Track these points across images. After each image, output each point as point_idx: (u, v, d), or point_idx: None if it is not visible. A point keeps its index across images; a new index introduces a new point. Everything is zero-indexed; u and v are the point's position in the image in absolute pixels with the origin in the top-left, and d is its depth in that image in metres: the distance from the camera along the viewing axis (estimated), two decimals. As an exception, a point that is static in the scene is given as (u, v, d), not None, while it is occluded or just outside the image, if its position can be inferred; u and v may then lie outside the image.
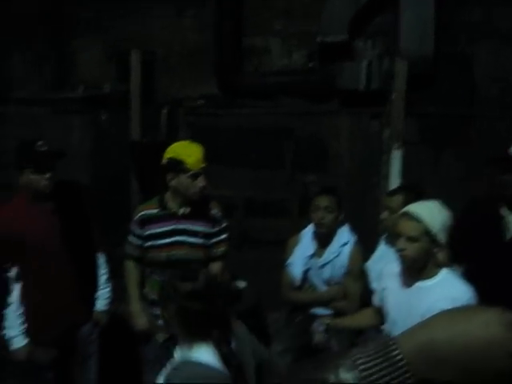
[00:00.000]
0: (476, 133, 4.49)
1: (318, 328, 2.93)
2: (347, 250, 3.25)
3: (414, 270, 2.44)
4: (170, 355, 3.04)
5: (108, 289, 3.14)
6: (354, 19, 4.78)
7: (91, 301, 3.08)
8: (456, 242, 2.50)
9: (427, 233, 2.34)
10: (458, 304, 2.28)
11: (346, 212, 3.37)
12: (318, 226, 3.26)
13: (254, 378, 2.23)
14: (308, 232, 3.36)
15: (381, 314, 2.65)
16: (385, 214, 3.02)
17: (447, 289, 2.37)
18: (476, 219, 2.91)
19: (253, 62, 5.26)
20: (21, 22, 5.35)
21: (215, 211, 3.03)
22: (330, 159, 4.73)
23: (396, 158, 4.07)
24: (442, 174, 4.31)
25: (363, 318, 2.87)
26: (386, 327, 2.58)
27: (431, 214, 2.37)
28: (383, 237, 3.16)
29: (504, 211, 2.83)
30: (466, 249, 2.75)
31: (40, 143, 2.75)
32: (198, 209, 2.97)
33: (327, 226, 3.25)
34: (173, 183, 2.87)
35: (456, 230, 2.57)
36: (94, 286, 3.09)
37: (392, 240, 2.69)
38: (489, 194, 3.08)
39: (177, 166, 2.81)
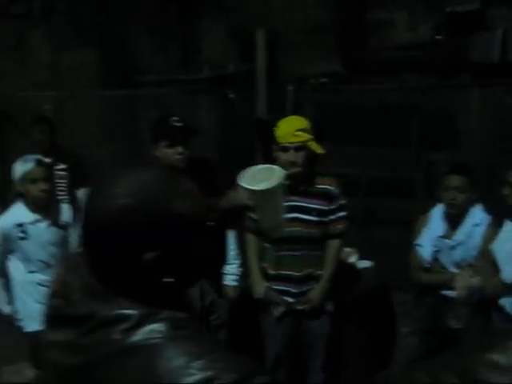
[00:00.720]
0: None
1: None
2: (480, 230, 3.09)
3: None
4: (286, 329, 3.11)
5: (237, 264, 3.22)
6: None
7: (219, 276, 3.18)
8: None
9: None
10: None
11: (479, 191, 3.23)
12: (449, 206, 3.13)
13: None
14: (437, 211, 3.24)
15: None
16: (507, 190, 2.88)
17: None
18: None
19: (377, 36, 5.13)
20: (146, 5, 5.56)
21: (332, 188, 3.01)
22: (460, 136, 4.53)
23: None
24: None
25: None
26: None
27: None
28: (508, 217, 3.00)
29: None
30: None
31: (174, 118, 2.85)
32: (312, 185, 2.97)
33: (459, 206, 3.11)
34: (274, 156, 2.94)
35: None
36: (222, 262, 3.19)
37: None
38: None
39: (272, 138, 2.90)
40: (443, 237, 3.18)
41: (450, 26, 4.75)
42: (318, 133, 3.40)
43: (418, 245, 3.24)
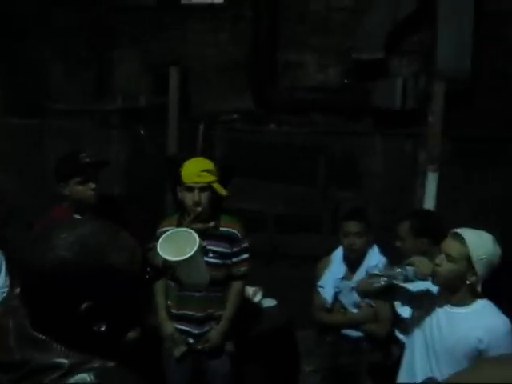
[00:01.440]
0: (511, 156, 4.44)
1: None
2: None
3: (447, 292, 2.45)
4: (187, 369, 3.11)
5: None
6: (390, 36, 4.78)
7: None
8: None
9: (467, 258, 2.34)
10: (494, 334, 2.33)
11: (377, 232, 3.39)
12: (348, 251, 3.29)
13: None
14: (338, 253, 3.38)
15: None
16: (398, 242, 3.05)
17: (484, 318, 2.38)
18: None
19: (288, 77, 5.29)
20: (61, 34, 5.45)
21: (235, 231, 3.08)
22: (363, 178, 4.73)
23: (431, 181, 4.05)
24: (476, 198, 4.26)
25: None
26: (417, 349, 2.56)
27: (479, 242, 2.36)
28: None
29: None
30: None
31: (84, 154, 2.83)
32: (216, 227, 3.04)
33: (357, 250, 3.28)
34: (179, 196, 3.02)
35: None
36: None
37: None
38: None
39: (178, 179, 2.98)
40: (343, 278, 3.31)
41: (356, 71, 4.98)
42: (227, 171, 3.47)
43: (320, 286, 3.35)
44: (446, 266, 2.36)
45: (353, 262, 3.31)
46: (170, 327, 3.10)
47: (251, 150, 4.78)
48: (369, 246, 3.30)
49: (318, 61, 5.33)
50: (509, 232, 3.88)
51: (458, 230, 2.39)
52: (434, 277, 2.41)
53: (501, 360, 1.05)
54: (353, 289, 3.28)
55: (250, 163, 4.77)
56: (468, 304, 2.42)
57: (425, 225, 3.05)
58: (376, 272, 2.60)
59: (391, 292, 2.58)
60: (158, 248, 2.40)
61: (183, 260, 2.36)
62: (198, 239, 2.42)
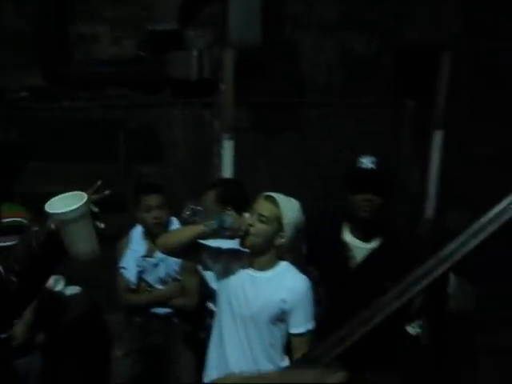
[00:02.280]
0: (305, 120, 4.67)
1: None
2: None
3: (252, 255, 2.49)
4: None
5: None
6: (183, 8, 4.74)
7: None
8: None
9: (278, 219, 2.40)
10: (296, 294, 2.43)
11: (181, 203, 3.34)
12: (153, 225, 3.19)
13: None
14: (137, 231, 3.29)
15: None
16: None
17: (286, 279, 2.47)
18: (320, 248, 2.67)
19: (81, 51, 5.01)
20: None
21: (20, 219, 2.82)
22: (165, 150, 4.67)
23: (228, 149, 4.10)
24: (274, 163, 4.42)
25: None
26: (224, 317, 2.58)
27: (289, 206, 2.45)
28: None
29: (347, 235, 2.64)
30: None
31: None
32: None
33: (163, 223, 3.20)
34: None
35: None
36: None
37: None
38: (333, 214, 2.97)
39: None
40: (145, 256, 3.23)
41: (151, 43, 4.86)
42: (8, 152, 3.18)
43: (123, 267, 3.24)
44: (258, 226, 2.41)
45: (154, 236, 3.22)
46: None
47: (42, 130, 4.46)
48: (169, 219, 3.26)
49: (111, 33, 5.11)
50: (307, 194, 4.10)
51: (271, 194, 2.45)
52: (245, 238, 2.43)
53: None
54: (156, 265, 3.23)
55: (45, 144, 4.46)
56: (270, 267, 2.49)
57: (229, 193, 3.06)
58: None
59: (198, 250, 2.52)
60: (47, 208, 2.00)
61: (71, 212, 1.95)
62: (86, 195, 2.08)
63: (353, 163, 2.59)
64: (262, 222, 2.41)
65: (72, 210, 1.92)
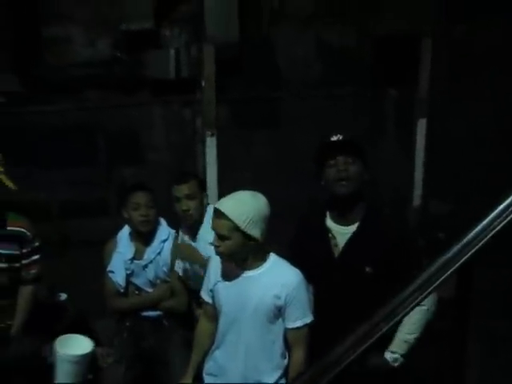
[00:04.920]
0: (284, 114, 4.65)
1: None
2: (168, 246, 3.16)
3: (237, 263, 2.44)
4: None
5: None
6: (158, 6, 4.68)
7: None
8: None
9: (236, 228, 2.32)
10: (289, 287, 2.38)
11: (163, 205, 3.28)
12: (142, 223, 3.12)
13: None
14: (124, 233, 3.21)
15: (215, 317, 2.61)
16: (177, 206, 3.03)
17: (277, 274, 2.42)
18: (304, 238, 2.62)
19: (55, 53, 4.92)
20: None
21: (25, 231, 2.82)
22: (146, 151, 4.61)
23: (211, 146, 4.06)
24: (254, 159, 4.38)
25: (204, 339, 2.67)
26: (220, 324, 2.54)
27: (238, 209, 2.34)
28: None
29: (329, 222, 2.54)
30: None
31: None
32: (3, 227, 2.77)
33: (152, 222, 3.14)
34: None
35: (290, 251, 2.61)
36: None
37: None
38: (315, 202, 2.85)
39: None
40: (134, 258, 3.17)
41: (127, 43, 4.79)
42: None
43: (110, 271, 3.17)
44: (223, 245, 2.35)
45: (143, 237, 3.17)
46: None
47: (21, 135, 4.37)
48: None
49: (85, 34, 5.03)
50: (287, 188, 4.09)
51: (217, 206, 2.37)
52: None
53: None
54: (145, 267, 3.17)
55: (23, 150, 4.37)
56: (259, 265, 2.44)
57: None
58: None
59: None
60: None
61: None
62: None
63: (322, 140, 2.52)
64: (224, 240, 2.35)
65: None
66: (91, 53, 4.90)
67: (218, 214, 2.34)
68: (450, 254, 1.13)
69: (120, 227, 3.30)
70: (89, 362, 2.53)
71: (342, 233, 2.49)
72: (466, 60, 4.54)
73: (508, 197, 1.12)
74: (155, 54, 4.66)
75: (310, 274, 2.47)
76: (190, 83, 4.38)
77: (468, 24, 4.53)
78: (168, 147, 4.56)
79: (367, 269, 2.36)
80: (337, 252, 2.49)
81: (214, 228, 2.37)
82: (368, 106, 4.63)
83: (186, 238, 3.12)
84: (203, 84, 4.11)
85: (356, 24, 4.70)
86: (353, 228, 2.48)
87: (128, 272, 3.15)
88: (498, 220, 1.12)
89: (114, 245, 3.21)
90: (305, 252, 2.53)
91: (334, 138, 2.45)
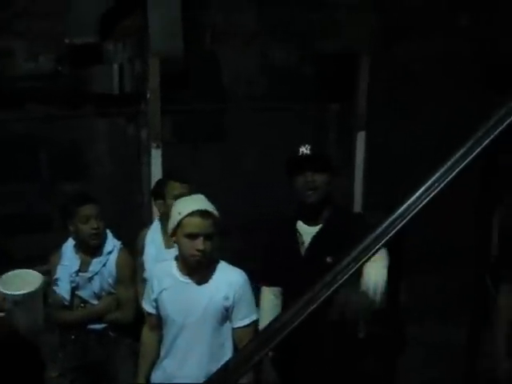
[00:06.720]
0: (228, 127, 4.72)
1: None
2: (113, 257, 3.16)
3: (208, 263, 2.52)
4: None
5: None
6: (102, 21, 4.67)
7: None
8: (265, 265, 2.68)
9: (217, 224, 2.46)
10: (236, 287, 2.48)
11: (109, 218, 3.29)
12: (92, 236, 3.11)
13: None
14: (68, 246, 3.19)
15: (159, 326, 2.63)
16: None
17: (224, 276, 2.52)
18: (276, 239, 2.81)
19: (-4, 67, 4.83)
20: None
21: None
22: (90, 166, 4.57)
23: (156, 158, 4.09)
24: (200, 172, 4.42)
25: (151, 350, 2.72)
26: (165, 331, 2.56)
27: (211, 205, 2.49)
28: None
29: (299, 224, 2.72)
30: (273, 272, 2.75)
31: None
32: None
33: (101, 234, 3.14)
34: None
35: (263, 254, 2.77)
36: None
37: None
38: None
39: None
40: (79, 271, 3.15)
41: (70, 57, 4.76)
42: None
43: (55, 284, 3.14)
44: (209, 245, 2.43)
45: (89, 250, 3.15)
46: None
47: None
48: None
49: (27, 48, 4.97)
50: (233, 201, 4.13)
51: (198, 208, 2.44)
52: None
53: None
54: (90, 279, 3.15)
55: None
56: (209, 268, 2.53)
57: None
58: None
59: None
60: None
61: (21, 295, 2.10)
62: (40, 279, 2.22)
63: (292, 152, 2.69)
64: (209, 238, 2.44)
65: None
66: (34, 66, 4.83)
67: (203, 214, 2.41)
68: (381, 228, 1.25)
69: (63, 242, 3.27)
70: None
71: (308, 232, 2.67)
72: (403, 77, 4.74)
73: (433, 176, 1.27)
74: (99, 68, 4.65)
75: (282, 272, 2.65)
76: (134, 97, 4.40)
77: (405, 42, 4.73)
78: (112, 161, 4.54)
79: (328, 259, 2.49)
80: (303, 250, 2.66)
81: (200, 231, 2.41)
82: (310, 120, 4.75)
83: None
84: (148, 96, 4.13)
85: (298, 42, 4.83)
86: (318, 227, 2.67)
87: (73, 285, 3.13)
88: (425, 195, 1.27)
89: (58, 258, 3.18)
90: (276, 252, 2.72)
91: (302, 149, 2.61)
